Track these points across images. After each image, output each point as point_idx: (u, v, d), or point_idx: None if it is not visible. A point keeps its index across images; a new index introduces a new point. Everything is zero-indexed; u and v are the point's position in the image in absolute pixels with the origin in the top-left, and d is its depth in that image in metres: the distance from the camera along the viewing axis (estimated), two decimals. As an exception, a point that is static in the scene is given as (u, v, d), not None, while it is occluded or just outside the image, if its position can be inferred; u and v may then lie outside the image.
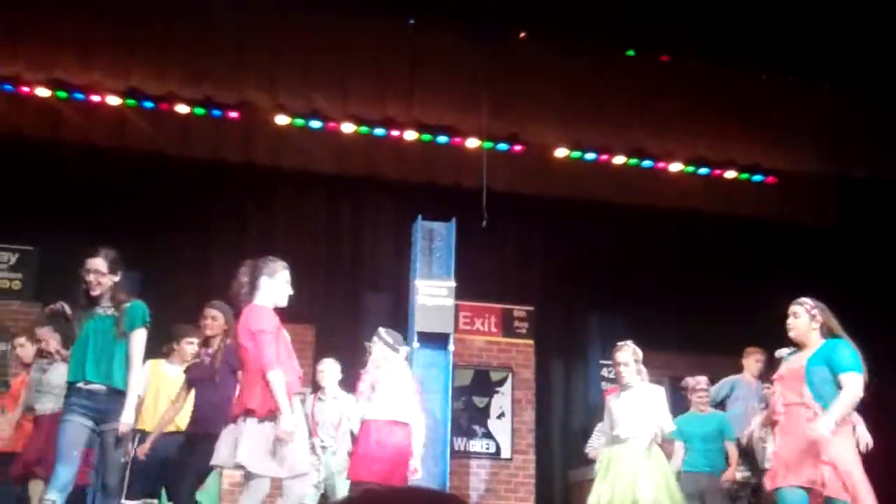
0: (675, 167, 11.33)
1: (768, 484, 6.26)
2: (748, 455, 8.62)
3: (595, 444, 9.06)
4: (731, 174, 11.44)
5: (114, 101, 10.10)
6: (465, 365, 11.25)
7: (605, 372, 11.68)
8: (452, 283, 9.81)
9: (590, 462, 9.04)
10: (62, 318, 7.47)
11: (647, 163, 11.23)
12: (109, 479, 6.11)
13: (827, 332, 6.21)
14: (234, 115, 10.46)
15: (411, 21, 10.35)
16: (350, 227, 11.71)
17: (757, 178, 11.54)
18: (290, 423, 5.80)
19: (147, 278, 10.21)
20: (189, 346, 7.83)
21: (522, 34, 10.60)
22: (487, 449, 11.29)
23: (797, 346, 6.31)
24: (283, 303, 6.22)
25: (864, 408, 6.51)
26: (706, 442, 8.53)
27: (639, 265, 11.50)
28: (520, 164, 11.17)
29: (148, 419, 7.60)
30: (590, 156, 11.12)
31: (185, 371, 7.41)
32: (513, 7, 9.99)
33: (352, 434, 8.30)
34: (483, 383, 11.44)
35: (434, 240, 9.97)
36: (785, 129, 10.96)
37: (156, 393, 7.77)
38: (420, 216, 10.04)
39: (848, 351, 6.07)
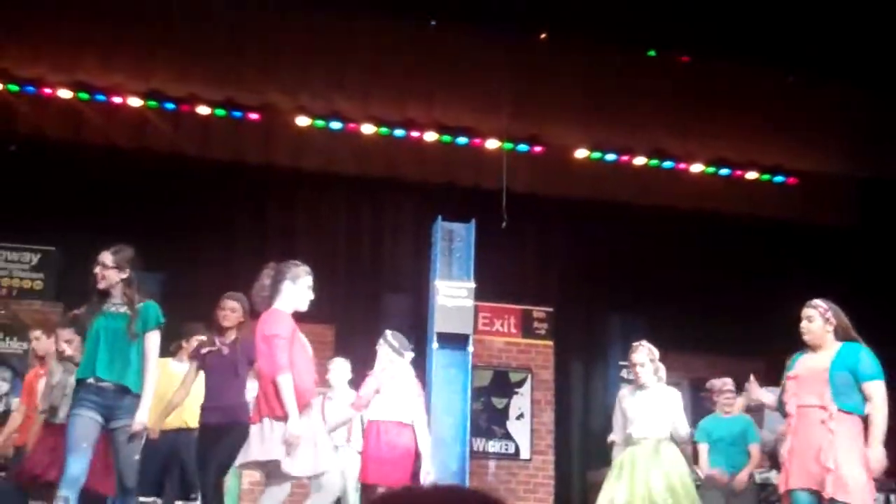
0: (696, 168, 11.29)
1: (781, 486, 6.24)
2: (774, 457, 8.56)
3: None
4: (752, 175, 11.40)
5: (135, 102, 10.15)
6: (485, 366, 11.25)
7: (624, 373, 11.62)
8: (472, 284, 9.80)
9: (609, 463, 9.00)
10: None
11: (667, 163, 11.21)
12: (126, 480, 6.10)
13: (841, 334, 6.19)
14: (254, 116, 10.49)
15: (433, 22, 10.36)
16: (370, 228, 11.72)
17: (778, 178, 11.49)
18: (297, 427, 5.83)
19: (168, 279, 10.30)
20: (197, 344, 7.75)
21: (543, 35, 10.58)
22: (506, 450, 11.29)
23: (812, 349, 6.28)
24: (304, 308, 6.26)
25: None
26: (730, 444, 8.43)
27: (659, 266, 11.46)
28: (540, 165, 11.15)
29: (155, 417, 7.57)
30: (610, 157, 11.10)
31: (196, 357, 7.31)
32: (533, 8, 9.98)
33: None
34: (502, 384, 11.44)
35: (454, 241, 9.97)
36: (806, 130, 10.91)
37: (164, 391, 7.72)
38: (440, 217, 10.03)
39: (870, 358, 6.07)
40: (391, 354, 7.93)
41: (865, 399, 5.99)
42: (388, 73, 10.28)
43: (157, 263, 9.92)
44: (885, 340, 6.21)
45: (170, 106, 10.28)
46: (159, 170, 10.50)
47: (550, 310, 11.62)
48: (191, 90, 10.05)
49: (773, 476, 8.55)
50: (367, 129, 10.63)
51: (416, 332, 10.60)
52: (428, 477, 7.81)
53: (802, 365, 6.26)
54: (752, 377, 6.76)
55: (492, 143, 10.77)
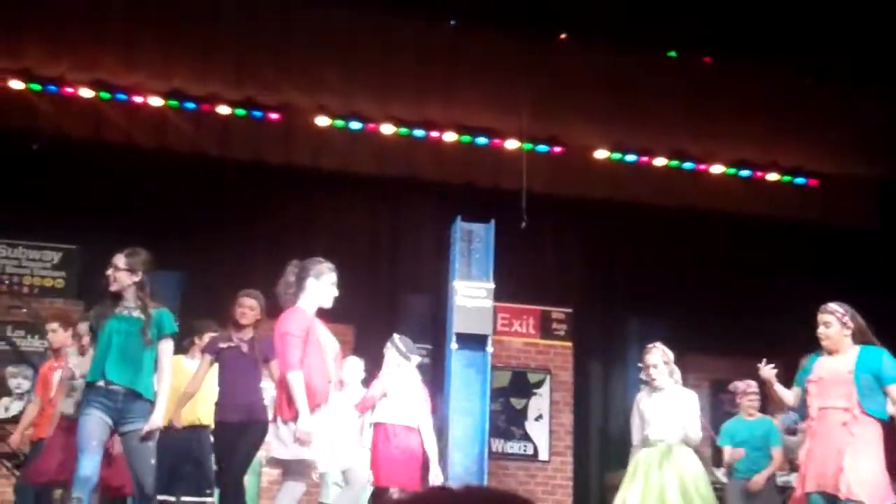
0: (717, 169, 11.25)
1: (798, 489, 6.20)
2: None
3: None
4: (772, 176, 11.35)
5: (156, 102, 10.19)
6: (504, 366, 11.24)
7: (643, 375, 11.60)
8: (491, 285, 9.78)
9: (628, 465, 8.97)
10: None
11: (688, 164, 11.17)
12: (145, 485, 6.09)
13: (859, 337, 6.16)
14: (274, 116, 10.51)
15: (452, 22, 10.36)
16: (389, 228, 11.72)
17: (799, 180, 11.44)
18: (307, 425, 5.87)
19: (187, 278, 10.34)
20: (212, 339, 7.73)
21: (563, 35, 10.56)
22: (525, 451, 11.27)
23: (829, 352, 6.25)
24: (328, 304, 6.29)
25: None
26: (753, 447, 8.38)
27: (679, 267, 11.43)
28: (559, 165, 11.13)
29: (171, 410, 7.55)
30: (630, 157, 11.08)
31: (211, 351, 7.28)
32: (553, 8, 9.97)
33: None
34: (521, 385, 11.42)
35: (473, 241, 9.95)
36: (827, 132, 10.85)
37: (176, 390, 7.70)
38: (459, 217, 10.03)
39: (891, 360, 6.07)
40: (398, 358, 8.00)
41: (890, 401, 5.98)
42: (408, 74, 10.29)
43: (177, 262, 9.99)
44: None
45: (190, 105, 10.32)
46: (180, 169, 10.55)
47: (569, 311, 11.61)
48: (211, 90, 10.09)
49: (794, 479, 8.51)
50: (387, 129, 10.63)
51: (435, 332, 10.63)
52: (436, 480, 7.86)
53: (823, 368, 6.22)
54: (763, 362, 6.69)
55: (511, 144, 10.76)
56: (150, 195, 10.47)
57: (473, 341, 9.71)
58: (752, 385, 8.61)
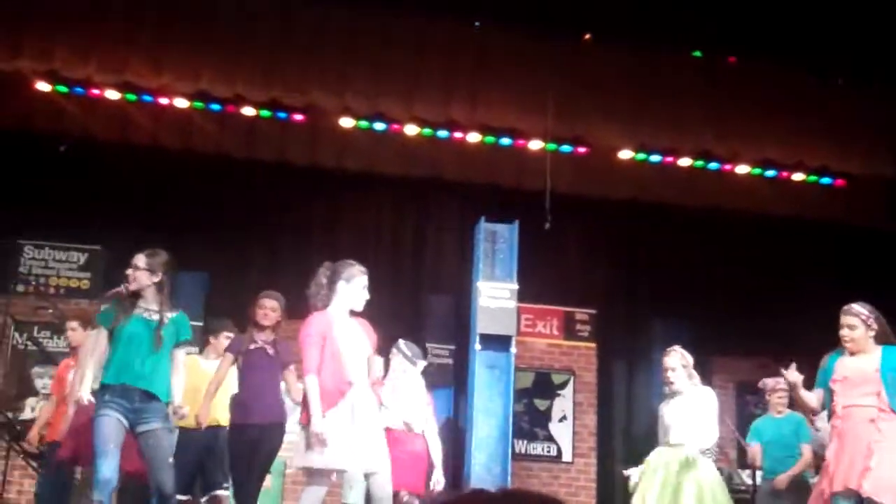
0: (742, 169, 11.18)
1: (825, 489, 6.15)
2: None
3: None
4: (799, 176, 11.27)
5: (181, 103, 10.24)
6: (527, 367, 11.23)
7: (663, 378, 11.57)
8: (515, 286, 9.78)
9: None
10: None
11: (713, 165, 11.11)
12: (164, 486, 6.11)
13: (882, 338, 6.13)
14: (299, 117, 10.54)
15: (477, 23, 10.35)
16: (413, 229, 11.72)
17: (826, 180, 11.35)
18: (320, 426, 5.89)
19: (211, 279, 10.39)
20: (227, 342, 7.67)
21: (587, 35, 10.53)
22: (548, 452, 11.26)
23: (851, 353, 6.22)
24: (360, 307, 6.32)
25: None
26: (782, 445, 8.30)
27: (704, 268, 11.38)
28: (584, 166, 11.10)
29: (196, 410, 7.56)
30: (655, 158, 11.02)
31: (234, 350, 7.26)
32: (578, 8, 9.94)
33: None
34: (545, 386, 11.41)
35: (497, 242, 9.96)
36: (854, 131, 10.77)
37: (193, 389, 7.70)
38: (483, 218, 10.03)
39: None
40: (404, 363, 8.01)
41: None
42: (432, 74, 10.29)
43: (201, 263, 10.05)
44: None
45: (216, 107, 10.35)
46: (205, 170, 10.60)
47: (593, 312, 11.59)
48: (236, 91, 10.12)
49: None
50: (411, 129, 10.64)
51: (458, 333, 10.63)
52: (438, 485, 7.90)
53: (846, 367, 6.19)
54: (792, 367, 6.62)
55: (535, 144, 10.74)
56: (175, 196, 10.53)
57: (497, 342, 9.71)
58: (782, 382, 8.47)
